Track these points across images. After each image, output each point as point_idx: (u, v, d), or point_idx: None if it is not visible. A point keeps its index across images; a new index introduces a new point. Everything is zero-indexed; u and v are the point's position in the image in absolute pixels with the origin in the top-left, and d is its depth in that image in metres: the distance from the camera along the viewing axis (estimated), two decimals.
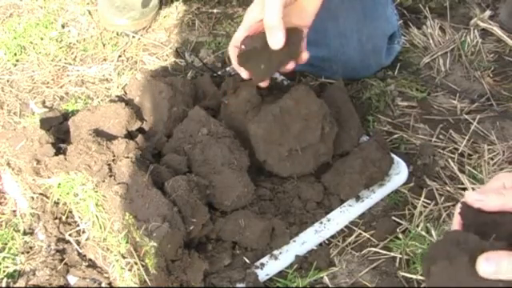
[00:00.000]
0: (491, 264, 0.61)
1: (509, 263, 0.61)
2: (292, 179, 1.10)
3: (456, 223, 0.70)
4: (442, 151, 1.21)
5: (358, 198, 1.09)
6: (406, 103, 1.33)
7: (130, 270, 0.91)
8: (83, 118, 1.12)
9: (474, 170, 1.16)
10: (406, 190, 1.13)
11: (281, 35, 0.98)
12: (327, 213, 1.06)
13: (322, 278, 0.99)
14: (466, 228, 0.68)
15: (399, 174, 1.12)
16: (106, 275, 0.96)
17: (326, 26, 1.27)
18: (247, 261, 0.98)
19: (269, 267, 0.98)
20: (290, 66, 1.09)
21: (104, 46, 1.49)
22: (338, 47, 1.28)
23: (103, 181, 0.98)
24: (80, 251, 0.98)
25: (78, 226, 1.00)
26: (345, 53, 1.29)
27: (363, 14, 1.27)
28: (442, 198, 1.11)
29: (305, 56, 1.09)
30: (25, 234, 1.04)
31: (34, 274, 0.96)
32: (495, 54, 1.46)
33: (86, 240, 0.98)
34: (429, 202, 1.11)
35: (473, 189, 1.11)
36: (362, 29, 1.27)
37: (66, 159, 1.01)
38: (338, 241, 1.05)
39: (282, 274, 0.99)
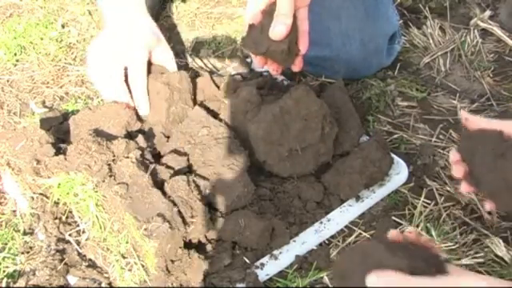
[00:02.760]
0: (379, 282, 0.66)
1: (396, 283, 0.65)
2: (292, 179, 1.10)
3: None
4: (441, 151, 1.21)
5: (358, 198, 1.09)
6: (406, 103, 1.33)
7: (130, 270, 0.91)
8: (84, 117, 1.11)
9: None
10: (406, 190, 1.13)
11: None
12: (327, 213, 1.06)
13: (322, 278, 0.99)
14: (463, 138, 0.88)
15: (399, 173, 1.12)
16: (106, 275, 0.96)
17: (328, 26, 1.26)
18: (247, 261, 0.98)
19: (269, 267, 0.98)
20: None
21: None
22: (340, 47, 1.28)
23: (103, 181, 0.98)
24: (80, 251, 0.98)
25: (78, 226, 1.00)
26: (347, 52, 1.29)
27: (365, 14, 1.27)
28: (442, 198, 1.11)
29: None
30: (25, 233, 1.04)
31: (34, 274, 0.96)
32: (495, 54, 1.46)
33: (86, 240, 0.98)
34: (429, 202, 1.11)
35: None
36: (364, 28, 1.27)
37: (65, 159, 1.01)
38: (338, 241, 1.05)
39: (282, 274, 0.99)
